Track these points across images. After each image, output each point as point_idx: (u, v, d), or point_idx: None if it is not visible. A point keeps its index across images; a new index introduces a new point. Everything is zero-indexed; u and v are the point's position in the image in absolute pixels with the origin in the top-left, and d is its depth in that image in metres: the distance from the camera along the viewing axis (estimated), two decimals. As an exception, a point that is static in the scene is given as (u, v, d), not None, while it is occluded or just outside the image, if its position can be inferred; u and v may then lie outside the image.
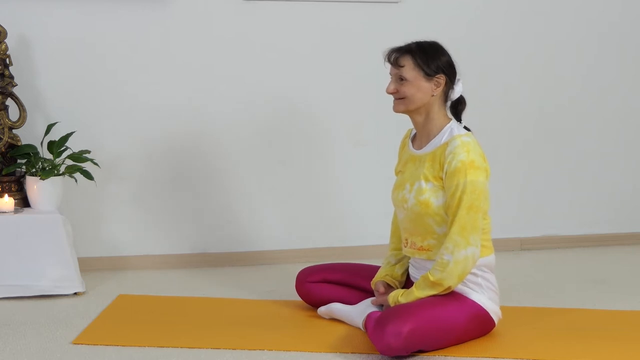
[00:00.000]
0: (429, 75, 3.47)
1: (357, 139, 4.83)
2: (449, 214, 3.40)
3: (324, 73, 4.77)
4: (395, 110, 3.54)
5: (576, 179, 5.15)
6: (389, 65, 3.55)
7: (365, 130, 4.84)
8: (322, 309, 3.74)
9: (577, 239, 5.17)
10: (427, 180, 3.44)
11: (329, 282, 3.82)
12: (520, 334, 3.57)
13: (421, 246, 3.50)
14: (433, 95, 3.48)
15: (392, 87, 3.51)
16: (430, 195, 3.43)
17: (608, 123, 5.17)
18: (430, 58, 3.47)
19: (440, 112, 3.52)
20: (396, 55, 3.50)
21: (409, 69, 3.47)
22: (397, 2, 4.79)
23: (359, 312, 3.60)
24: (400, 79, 3.49)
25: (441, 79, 3.48)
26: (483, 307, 3.44)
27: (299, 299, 3.92)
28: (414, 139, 3.62)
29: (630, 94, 5.18)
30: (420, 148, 3.54)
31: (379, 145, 4.81)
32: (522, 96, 5.03)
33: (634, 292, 4.25)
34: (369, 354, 3.35)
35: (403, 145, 3.68)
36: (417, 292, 3.40)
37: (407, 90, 3.48)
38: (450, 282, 3.36)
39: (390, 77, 3.55)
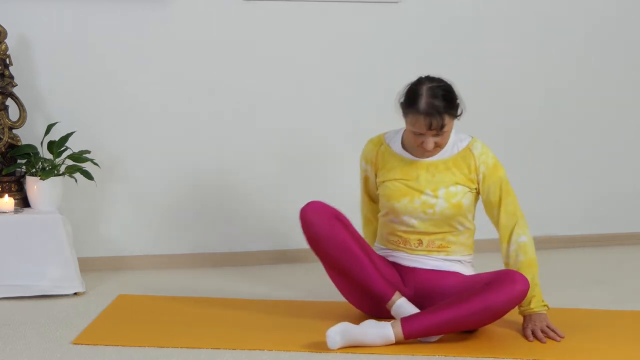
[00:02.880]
0: (457, 116, 3.57)
1: (357, 138, 4.82)
2: (496, 206, 3.62)
3: (324, 73, 4.76)
4: (431, 155, 3.62)
5: (576, 179, 5.15)
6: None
7: (365, 130, 4.82)
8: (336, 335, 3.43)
9: (577, 239, 5.17)
10: (456, 184, 3.59)
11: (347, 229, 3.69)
12: (520, 334, 3.57)
13: (441, 244, 3.64)
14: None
15: (432, 144, 3.54)
16: (461, 197, 3.59)
17: (608, 123, 5.17)
18: (455, 103, 3.54)
19: None
20: (438, 123, 3.48)
21: (448, 122, 3.53)
22: (397, 2, 4.79)
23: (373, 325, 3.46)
24: (437, 134, 3.53)
25: (461, 109, 3.58)
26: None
27: (299, 298, 3.91)
28: (405, 146, 3.67)
29: (631, 94, 5.18)
30: (429, 156, 3.62)
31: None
32: (522, 96, 5.03)
33: (634, 292, 4.25)
34: (369, 354, 3.35)
35: (381, 154, 3.71)
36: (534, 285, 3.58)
37: (444, 139, 3.58)
38: (534, 255, 3.61)
39: (416, 129, 3.53)
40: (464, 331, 3.52)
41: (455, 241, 3.64)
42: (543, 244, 5.10)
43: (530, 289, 3.50)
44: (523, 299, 3.42)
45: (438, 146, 3.57)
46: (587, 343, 3.49)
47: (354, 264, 3.61)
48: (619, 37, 5.12)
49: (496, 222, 3.65)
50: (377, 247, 3.79)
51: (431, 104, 3.46)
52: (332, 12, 4.73)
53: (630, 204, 5.24)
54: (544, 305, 3.58)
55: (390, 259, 3.72)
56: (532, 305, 3.56)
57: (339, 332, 3.37)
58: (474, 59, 4.90)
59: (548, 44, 5.03)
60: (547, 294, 4.17)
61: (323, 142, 4.81)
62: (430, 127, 3.48)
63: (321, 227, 3.63)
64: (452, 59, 4.83)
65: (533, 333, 3.52)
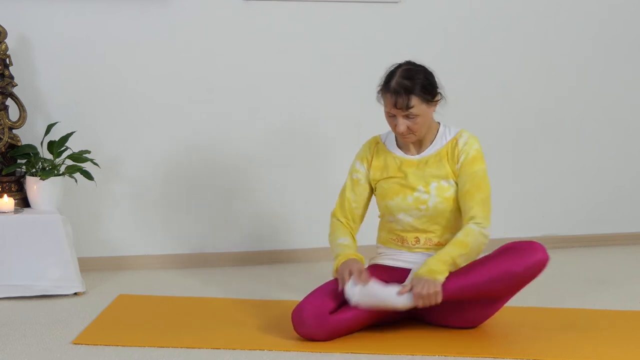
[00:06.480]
0: (432, 101, 3.56)
1: (358, 138, 4.82)
2: (468, 197, 3.55)
3: (324, 72, 4.77)
4: (409, 142, 3.63)
5: (576, 179, 5.15)
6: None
7: (365, 130, 4.82)
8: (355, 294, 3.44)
9: (577, 239, 5.17)
10: (447, 177, 3.59)
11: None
12: (520, 334, 3.58)
13: (439, 242, 3.62)
14: (434, 112, 3.60)
15: (403, 128, 3.53)
16: (453, 192, 3.59)
17: (608, 123, 5.17)
18: (430, 86, 3.54)
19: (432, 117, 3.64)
20: (404, 102, 3.49)
21: (417, 105, 3.52)
22: (397, 2, 4.79)
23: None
24: (407, 117, 3.53)
25: (438, 96, 3.58)
26: None
27: (300, 299, 3.89)
28: (399, 145, 3.68)
29: (630, 94, 5.18)
30: (418, 152, 3.65)
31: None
32: (522, 95, 5.03)
33: (634, 292, 4.25)
34: (369, 353, 3.35)
35: (376, 152, 3.71)
36: (451, 252, 3.48)
37: (418, 125, 3.55)
38: (469, 241, 3.49)
39: (385, 112, 3.56)
40: (466, 327, 3.53)
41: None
42: (543, 244, 5.10)
43: (441, 260, 3.45)
44: (543, 268, 3.47)
45: (412, 132, 3.55)
46: (587, 343, 3.49)
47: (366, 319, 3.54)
48: (621, 38, 5.12)
49: (463, 213, 3.59)
50: (378, 248, 3.79)
51: (401, 82, 3.50)
52: (332, 12, 4.73)
53: (630, 204, 5.25)
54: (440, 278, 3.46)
55: (389, 262, 3.70)
56: (433, 268, 3.45)
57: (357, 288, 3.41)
58: (474, 59, 4.90)
59: (550, 44, 5.03)
60: (548, 293, 4.18)
61: (323, 142, 4.81)
62: (395, 105, 3.50)
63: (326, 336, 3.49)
64: (452, 59, 4.83)
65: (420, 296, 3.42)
